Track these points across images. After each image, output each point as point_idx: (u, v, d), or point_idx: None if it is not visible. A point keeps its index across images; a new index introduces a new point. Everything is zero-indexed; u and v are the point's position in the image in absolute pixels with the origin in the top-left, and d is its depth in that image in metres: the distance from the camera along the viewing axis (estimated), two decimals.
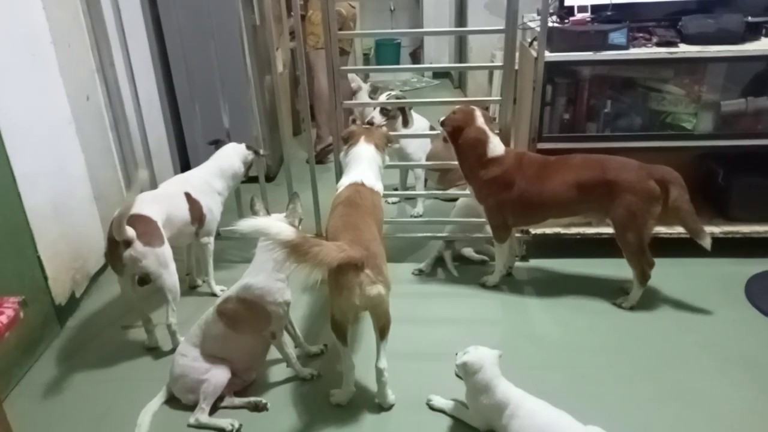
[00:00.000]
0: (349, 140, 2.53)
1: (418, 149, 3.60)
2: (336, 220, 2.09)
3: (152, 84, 3.08)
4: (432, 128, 3.67)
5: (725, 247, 2.94)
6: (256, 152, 2.90)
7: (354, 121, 4.74)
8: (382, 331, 1.99)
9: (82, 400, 2.22)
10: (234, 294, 2.11)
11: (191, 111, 3.12)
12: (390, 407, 2.10)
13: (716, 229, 2.93)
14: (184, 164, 4.11)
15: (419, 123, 3.67)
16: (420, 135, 3.60)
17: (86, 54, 2.74)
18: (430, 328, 2.57)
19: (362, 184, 2.28)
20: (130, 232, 2.21)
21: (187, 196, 2.61)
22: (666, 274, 2.84)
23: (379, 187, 2.37)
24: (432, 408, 2.09)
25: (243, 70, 2.99)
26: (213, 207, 2.73)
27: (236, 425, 2.03)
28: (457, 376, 2.22)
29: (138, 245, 2.22)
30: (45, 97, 2.62)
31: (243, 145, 2.87)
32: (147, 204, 2.38)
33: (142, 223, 2.28)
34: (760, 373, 2.19)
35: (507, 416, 1.89)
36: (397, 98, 3.68)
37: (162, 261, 2.31)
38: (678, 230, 2.95)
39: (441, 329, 2.55)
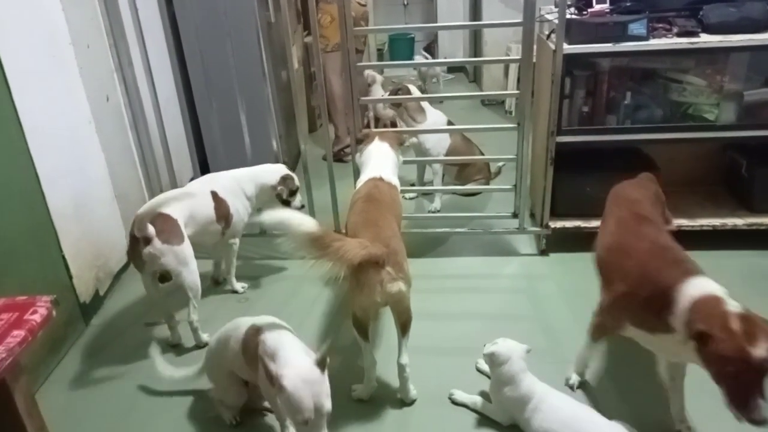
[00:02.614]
0: (364, 141, 2.61)
1: (437, 144, 3.59)
2: (356, 216, 2.09)
3: (170, 83, 3.09)
4: (450, 122, 3.66)
5: (749, 239, 2.90)
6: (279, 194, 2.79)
7: (368, 125, 4.79)
8: (403, 328, 1.99)
9: (107, 396, 2.25)
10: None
11: (208, 109, 3.14)
12: (412, 402, 2.10)
13: (740, 221, 2.90)
14: (203, 162, 4.13)
15: (437, 118, 3.66)
16: (436, 130, 3.58)
17: (105, 54, 2.77)
18: (451, 323, 2.56)
19: (381, 179, 2.30)
20: (150, 229, 2.23)
21: (214, 194, 2.63)
22: None
23: (396, 182, 2.39)
24: (454, 402, 2.09)
25: (259, 67, 3.00)
26: (240, 208, 2.73)
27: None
28: (478, 371, 2.22)
29: (157, 243, 2.24)
30: (65, 98, 2.65)
31: (283, 170, 2.83)
32: (168, 201, 2.40)
33: (162, 220, 2.29)
34: None
35: (530, 410, 1.89)
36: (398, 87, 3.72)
37: (181, 259, 2.33)
38: (700, 222, 2.92)
39: (462, 324, 2.55)
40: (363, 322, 1.99)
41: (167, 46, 3.03)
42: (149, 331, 2.62)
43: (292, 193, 2.81)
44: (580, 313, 2.55)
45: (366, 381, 2.10)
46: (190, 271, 2.37)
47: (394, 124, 4.38)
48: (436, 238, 3.25)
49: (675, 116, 2.85)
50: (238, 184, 2.73)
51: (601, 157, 3.01)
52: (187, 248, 2.36)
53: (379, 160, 2.43)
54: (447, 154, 3.58)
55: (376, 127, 4.86)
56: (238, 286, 2.86)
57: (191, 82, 3.86)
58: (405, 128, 3.63)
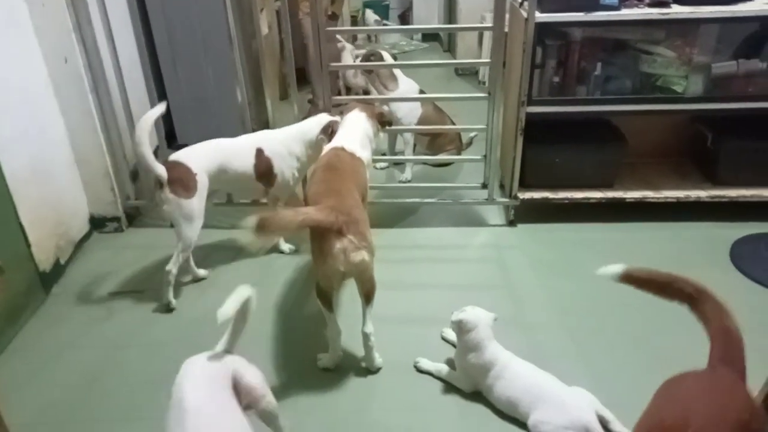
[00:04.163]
0: (344, 109, 2.53)
1: (409, 114, 3.55)
2: (316, 185, 2.04)
3: (132, 44, 2.97)
4: (422, 91, 3.62)
5: (712, 211, 2.96)
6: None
7: (339, 92, 4.71)
8: (367, 297, 1.99)
9: (70, 366, 2.21)
10: None
11: (174, 74, 3.04)
12: (377, 370, 2.11)
13: (703, 193, 2.94)
14: (169, 128, 4.03)
15: (409, 86, 3.61)
16: (407, 98, 3.54)
17: (62, 13, 2.64)
18: (418, 293, 2.57)
19: (342, 149, 2.25)
20: (162, 173, 2.30)
21: (259, 152, 2.59)
22: (653, 238, 2.86)
23: (363, 154, 2.32)
24: (419, 370, 2.11)
25: (226, 31, 2.90)
26: (285, 170, 2.66)
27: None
28: (444, 339, 2.24)
29: (166, 190, 2.33)
30: (20, 59, 2.54)
31: (323, 120, 2.73)
32: (191, 153, 2.45)
33: (178, 170, 2.36)
34: (745, 337, 2.21)
35: (492, 377, 1.92)
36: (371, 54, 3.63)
37: (185, 212, 2.37)
38: (665, 194, 2.97)
39: (429, 294, 2.55)
40: (326, 292, 1.98)
41: (129, 4, 2.90)
42: (114, 300, 2.57)
43: None
44: (546, 282, 2.60)
45: (331, 350, 2.10)
46: (190, 226, 2.41)
47: (366, 93, 4.31)
48: (406, 208, 3.24)
49: (644, 88, 2.86)
50: (285, 145, 2.65)
51: (571, 128, 3.03)
52: (195, 203, 2.39)
53: (348, 130, 2.38)
54: (418, 124, 3.55)
55: (347, 95, 4.78)
56: (285, 247, 2.86)
57: (156, 46, 3.74)
58: (376, 96, 3.58)
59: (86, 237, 2.99)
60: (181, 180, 2.35)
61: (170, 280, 2.43)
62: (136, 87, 3.09)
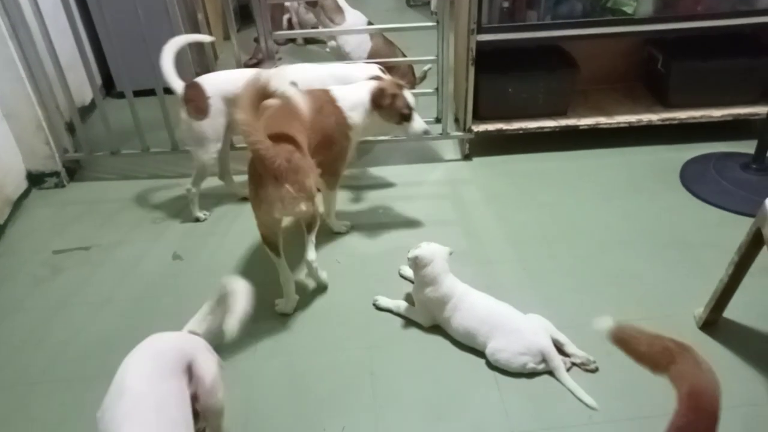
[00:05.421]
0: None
1: (358, 48, 3.40)
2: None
3: None
4: (370, 23, 3.47)
5: (662, 135, 2.99)
6: None
7: (290, 21, 4.49)
8: (308, 227, 1.99)
9: (15, 328, 2.13)
10: None
11: (102, 15, 2.82)
12: (325, 286, 2.16)
13: (654, 117, 2.95)
14: (106, 76, 3.82)
15: (356, 19, 3.45)
16: (351, 30, 3.38)
17: None
18: (374, 232, 2.53)
19: (326, 92, 2.19)
20: (177, 86, 2.36)
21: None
22: (605, 164, 2.87)
23: (349, 112, 2.20)
24: (378, 308, 2.10)
25: None
26: None
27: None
28: (402, 276, 2.23)
29: (182, 109, 2.40)
30: None
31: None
32: (214, 77, 2.45)
33: (192, 90, 2.39)
34: (692, 253, 2.27)
35: (450, 309, 1.92)
36: None
37: (194, 133, 2.42)
38: (617, 120, 2.97)
39: (385, 233, 2.52)
40: (271, 238, 1.94)
41: None
42: (59, 260, 2.46)
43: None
44: (501, 214, 2.60)
45: (286, 295, 2.07)
46: (201, 149, 2.45)
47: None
48: (360, 148, 3.15)
49: (595, 11, 2.81)
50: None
51: (523, 56, 2.96)
52: (205, 126, 2.40)
53: (353, 86, 2.28)
54: (368, 58, 3.42)
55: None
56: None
57: None
58: (322, 30, 3.43)
59: (25, 195, 2.84)
60: (194, 101, 2.38)
61: (192, 198, 2.59)
62: (65, 32, 2.86)
